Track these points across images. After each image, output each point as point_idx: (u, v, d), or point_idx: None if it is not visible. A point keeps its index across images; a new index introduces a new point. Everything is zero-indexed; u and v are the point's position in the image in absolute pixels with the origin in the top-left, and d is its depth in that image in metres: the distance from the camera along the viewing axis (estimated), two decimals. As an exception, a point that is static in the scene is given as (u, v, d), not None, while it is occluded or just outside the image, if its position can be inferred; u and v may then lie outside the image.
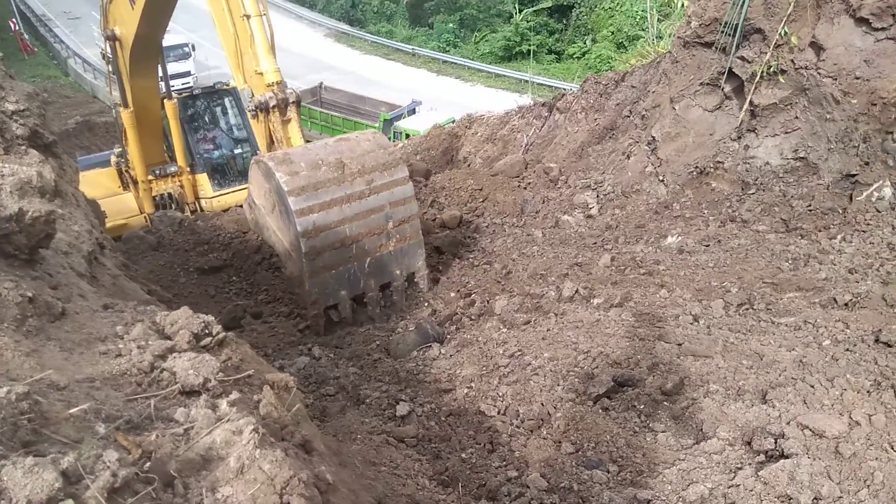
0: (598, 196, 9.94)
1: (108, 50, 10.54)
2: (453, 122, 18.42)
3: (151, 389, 2.42)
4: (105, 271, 3.77)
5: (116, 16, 9.94)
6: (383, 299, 7.50)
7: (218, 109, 13.85)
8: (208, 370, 2.54)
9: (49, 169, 3.13)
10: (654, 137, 9.45)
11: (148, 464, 1.91)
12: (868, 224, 6.82)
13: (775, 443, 3.47)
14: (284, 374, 2.97)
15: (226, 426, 2.13)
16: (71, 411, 1.94)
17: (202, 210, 12.45)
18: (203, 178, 12.81)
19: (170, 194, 12.39)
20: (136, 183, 12.37)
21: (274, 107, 7.12)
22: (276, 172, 6.36)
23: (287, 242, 6.77)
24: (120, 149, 12.87)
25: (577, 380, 4.80)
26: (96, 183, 12.13)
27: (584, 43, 40.91)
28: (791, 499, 3.06)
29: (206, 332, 2.97)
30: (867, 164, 7.39)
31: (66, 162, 4.13)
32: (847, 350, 4.44)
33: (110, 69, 11.12)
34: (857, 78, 7.41)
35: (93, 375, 2.36)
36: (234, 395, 2.44)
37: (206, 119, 13.67)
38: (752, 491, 3.16)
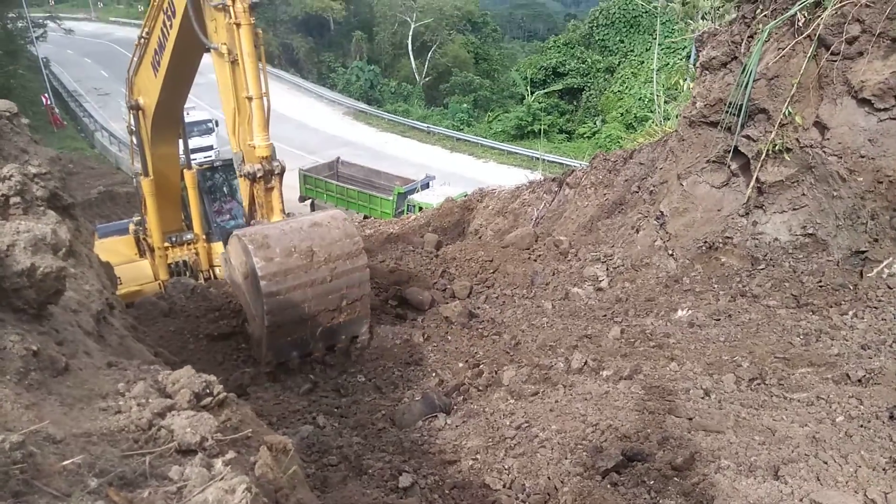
0: (607, 269, 9.98)
1: (132, 120, 10.99)
2: (466, 196, 18.75)
3: (148, 447, 2.41)
4: (113, 331, 3.80)
5: (140, 86, 10.45)
6: (328, 356, 8.13)
7: (235, 181, 14.25)
8: (206, 429, 2.52)
9: (65, 229, 3.23)
10: (662, 212, 9.55)
11: (138, 520, 1.89)
12: (880, 300, 6.76)
13: (788, 521, 3.35)
14: (283, 437, 2.94)
15: (219, 484, 2.11)
16: (64, 464, 1.94)
17: (216, 278, 12.60)
18: (218, 247, 13.05)
19: (185, 262, 12.59)
20: (152, 250, 12.60)
21: (260, 178, 7.86)
22: (254, 257, 7.02)
23: (253, 308, 7.39)
24: (139, 217, 13.18)
25: (585, 453, 4.68)
26: (114, 250, 12.38)
27: (595, 123, 42.06)
28: (806, 580, 2.93)
29: (208, 391, 2.97)
30: (876, 240, 7.39)
31: (82, 224, 4.25)
32: (861, 426, 4.32)
33: (133, 140, 11.56)
34: (862, 157, 7.52)
35: (90, 430, 2.36)
36: (230, 455, 2.42)
37: (224, 190, 14.06)
38: (764, 571, 3.03)
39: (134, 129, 11.09)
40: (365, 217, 27.46)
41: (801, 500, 3.52)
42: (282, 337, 7.44)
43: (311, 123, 45.74)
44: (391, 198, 27.63)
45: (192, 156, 13.20)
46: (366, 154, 38.45)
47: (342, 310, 7.87)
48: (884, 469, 3.78)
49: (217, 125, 36.97)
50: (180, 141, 11.84)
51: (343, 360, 8.14)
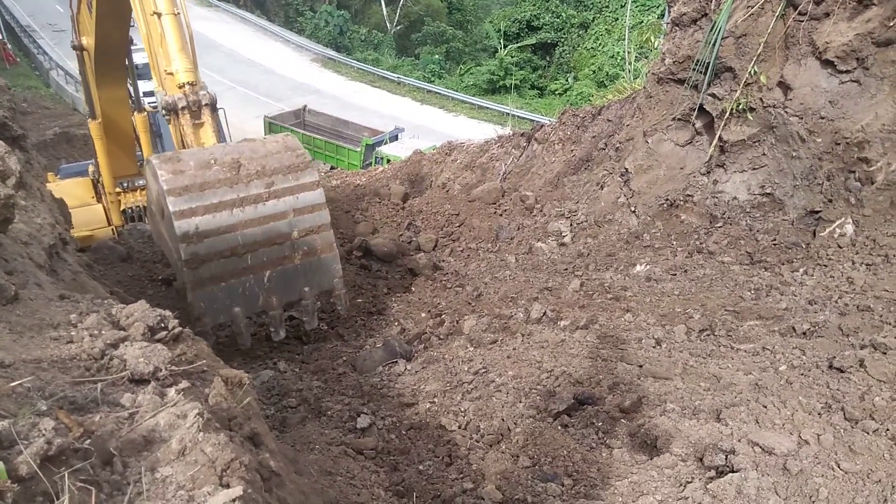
0: (571, 224, 10.09)
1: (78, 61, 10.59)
2: (434, 149, 18.62)
3: (100, 375, 2.41)
4: (66, 266, 3.75)
5: (82, 26, 10.08)
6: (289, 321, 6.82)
7: None
8: (159, 359, 2.53)
9: (14, 159, 3.14)
10: (627, 169, 9.64)
11: (87, 441, 1.90)
12: (829, 259, 6.99)
13: (726, 458, 3.52)
14: (239, 371, 2.96)
15: (171, 409, 2.13)
16: (12, 385, 1.93)
17: None
18: None
19: (140, 208, 12.34)
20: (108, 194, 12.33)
21: (183, 108, 6.50)
22: (159, 171, 5.68)
23: (174, 250, 5.91)
24: None
25: (538, 397, 4.82)
26: (69, 193, 12.03)
27: (566, 80, 41.80)
28: (738, 512, 3.11)
29: (162, 325, 2.96)
30: (830, 201, 7.60)
31: (33, 157, 4.13)
32: (802, 375, 4.52)
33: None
34: (822, 118, 7.66)
35: (41, 358, 2.35)
36: (184, 385, 2.44)
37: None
38: (700, 503, 3.20)
39: (80, 69, 10.69)
40: (332, 168, 27.12)
41: (739, 440, 3.70)
42: (210, 280, 5.89)
43: (277, 69, 44.53)
44: (359, 149, 27.27)
45: (150, 100, 12.77)
46: (334, 103, 37.69)
47: (295, 245, 6.32)
48: (819, 413, 3.98)
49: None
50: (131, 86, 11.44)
51: (311, 329, 6.86)
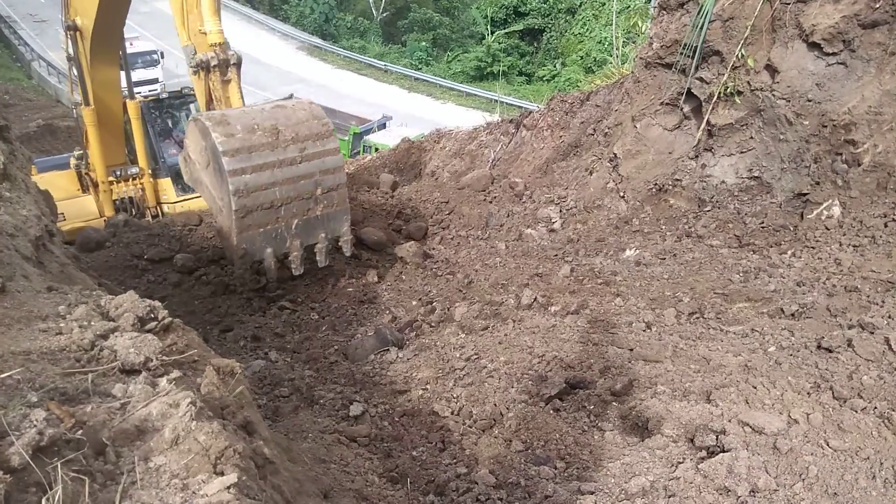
0: (561, 211, 10.10)
1: (69, 43, 10.39)
2: (423, 137, 18.56)
3: (91, 366, 2.39)
4: (53, 258, 3.71)
5: (77, 5, 9.87)
6: (307, 261, 7.79)
7: (184, 114, 13.74)
8: (150, 349, 2.52)
9: (-2, 150, 3.09)
10: (615, 155, 9.65)
11: (80, 431, 1.89)
12: (817, 241, 7.05)
13: (716, 439, 3.56)
14: (231, 360, 2.95)
15: (163, 399, 2.12)
16: (1, 376, 1.92)
17: (163, 215, 12.27)
18: (167, 183, 12.67)
19: (130, 198, 12.19)
20: (96, 186, 12.16)
21: (215, 66, 7.27)
22: (213, 133, 6.57)
23: (219, 198, 6.96)
24: (80, 151, 12.65)
25: (530, 382, 4.85)
26: (55, 185, 11.86)
27: (554, 66, 41.70)
28: (729, 491, 3.14)
29: (152, 316, 2.94)
30: (818, 183, 7.65)
31: (17, 148, 4.08)
32: (790, 355, 4.57)
33: (72, 68, 10.99)
34: (809, 100, 7.70)
35: (30, 349, 2.33)
36: (175, 374, 2.43)
37: (173, 124, 13.54)
38: (691, 483, 3.23)
39: (72, 53, 10.50)
40: (320, 157, 26.95)
41: (729, 420, 3.74)
42: (252, 226, 6.92)
43: (262, 58, 44.07)
44: (347, 138, 27.09)
45: (137, 89, 12.63)
46: (320, 92, 37.41)
47: (318, 199, 7.38)
48: (808, 393, 4.03)
49: (163, 57, 35.29)
50: (122, 73, 11.29)
51: (322, 266, 7.80)
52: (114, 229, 8.45)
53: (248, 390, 3.25)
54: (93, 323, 2.71)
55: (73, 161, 12.70)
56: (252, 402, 3.06)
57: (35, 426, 1.67)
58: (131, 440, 1.98)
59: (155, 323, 2.92)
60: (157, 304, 3.00)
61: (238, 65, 7.46)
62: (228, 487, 1.78)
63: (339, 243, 7.94)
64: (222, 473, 1.88)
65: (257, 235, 7.04)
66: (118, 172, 11.92)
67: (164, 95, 13.31)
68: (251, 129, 6.81)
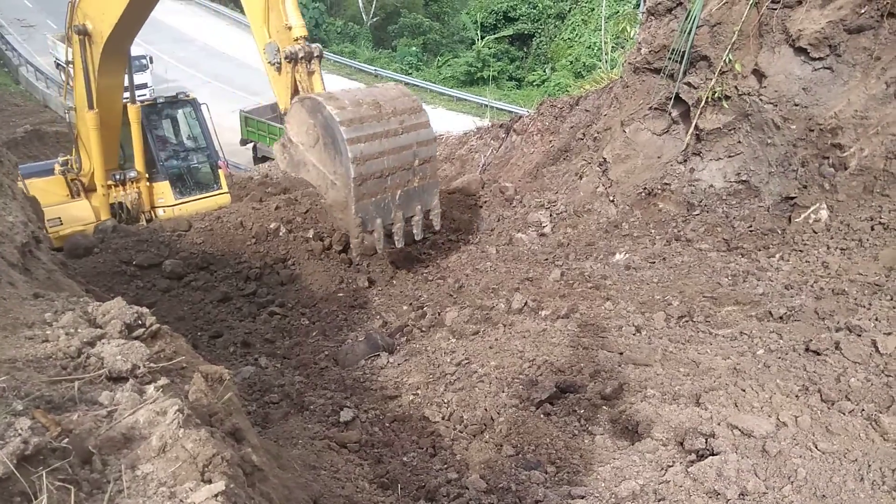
0: (551, 215, 10.13)
1: (78, 48, 10.37)
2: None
3: (77, 373, 2.38)
4: (40, 265, 3.68)
5: (90, 10, 9.93)
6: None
7: (179, 119, 13.78)
8: (137, 357, 2.50)
9: (-17, 156, 3.07)
10: (605, 159, 9.70)
11: (65, 440, 1.88)
12: (805, 244, 7.10)
13: (706, 442, 3.57)
14: (219, 367, 2.94)
15: (150, 406, 2.11)
16: (-14, 385, 1.90)
17: (157, 218, 12.25)
18: (165, 186, 12.73)
19: (120, 203, 12.16)
20: (87, 190, 12.14)
21: (302, 58, 7.75)
22: (327, 106, 7.07)
23: (331, 172, 7.34)
24: (65, 157, 12.65)
25: (521, 386, 4.85)
26: (48, 190, 11.88)
27: (544, 71, 41.84)
28: (718, 494, 3.15)
29: (140, 322, 2.93)
30: (805, 187, 7.71)
31: (4, 154, 4.04)
32: (779, 358, 4.59)
33: (67, 74, 11.00)
34: (797, 105, 7.77)
35: (15, 357, 2.31)
36: (163, 382, 2.41)
37: (168, 128, 13.57)
38: (681, 487, 3.24)
39: (71, 57, 10.48)
40: (310, 162, 26.87)
41: (718, 423, 3.76)
42: (366, 195, 7.34)
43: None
44: (337, 142, 27.04)
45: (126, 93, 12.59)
46: (311, 97, 37.33)
47: (415, 170, 7.87)
48: (796, 395, 4.05)
49: (151, 62, 35.11)
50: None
51: (418, 238, 8.45)
52: (102, 235, 8.39)
53: (237, 397, 3.23)
54: (79, 330, 2.69)
55: (57, 168, 12.62)
56: (241, 408, 3.05)
57: (20, 435, 1.66)
58: (118, 448, 1.97)
59: (143, 330, 2.90)
60: (145, 310, 2.98)
61: (320, 57, 7.93)
62: (216, 495, 1.77)
63: (430, 216, 8.40)
64: (210, 481, 1.87)
65: (370, 205, 7.43)
66: (118, 176, 11.93)
67: (161, 100, 13.31)
68: (357, 103, 7.29)
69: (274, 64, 7.99)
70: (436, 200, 8.36)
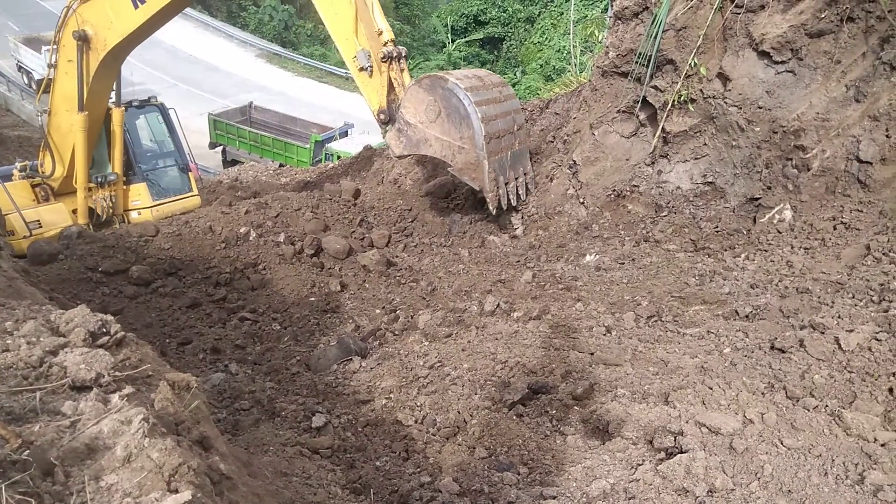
0: (522, 217, 10.18)
1: (62, 52, 10.49)
2: (385, 144, 18.49)
3: (39, 383, 2.32)
4: (0, 273, 3.59)
5: (94, 18, 10.06)
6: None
7: (150, 122, 13.68)
8: (101, 365, 2.45)
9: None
10: (574, 162, 9.79)
11: (26, 452, 1.83)
12: (770, 244, 7.26)
13: (675, 440, 3.62)
14: (186, 375, 2.89)
15: (114, 416, 2.07)
16: (-58, 397, 1.84)
17: (129, 222, 12.10)
18: (142, 188, 12.65)
19: (91, 209, 12.00)
20: (56, 195, 11.98)
21: (395, 57, 8.72)
22: (450, 78, 8.17)
23: (457, 139, 8.32)
24: (24, 162, 12.47)
25: (493, 388, 4.86)
26: (17, 194, 11.67)
27: (515, 74, 42.05)
28: (687, 491, 3.19)
29: (104, 330, 2.87)
30: (769, 188, 7.88)
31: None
32: (745, 356, 4.68)
33: (42, 77, 10.96)
34: (760, 107, 7.93)
35: (-27, 368, 2.25)
36: (128, 391, 2.37)
37: (140, 131, 13.45)
38: (651, 485, 3.28)
39: (77, 60, 10.42)
40: (280, 165, 26.68)
41: (686, 421, 3.82)
42: (493, 153, 8.31)
43: (221, 66, 43.55)
44: (308, 146, 26.86)
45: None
46: (280, 99, 37.06)
47: (516, 134, 8.93)
48: (762, 393, 4.13)
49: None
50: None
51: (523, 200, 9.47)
52: (67, 241, 8.21)
53: (206, 404, 3.19)
54: (41, 339, 2.62)
55: (16, 173, 12.37)
56: (209, 416, 3.00)
57: (-23, 448, 1.61)
58: (81, 459, 1.93)
59: (107, 338, 2.84)
60: (110, 318, 2.92)
61: (407, 57, 8.96)
62: (183, 505, 1.74)
63: (526, 180, 9.46)
64: (176, 491, 1.84)
65: (495, 162, 8.43)
66: (99, 178, 11.82)
67: (136, 103, 13.19)
68: (466, 76, 8.44)
69: (366, 69, 8.78)
70: (529, 164, 9.50)
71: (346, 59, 9.03)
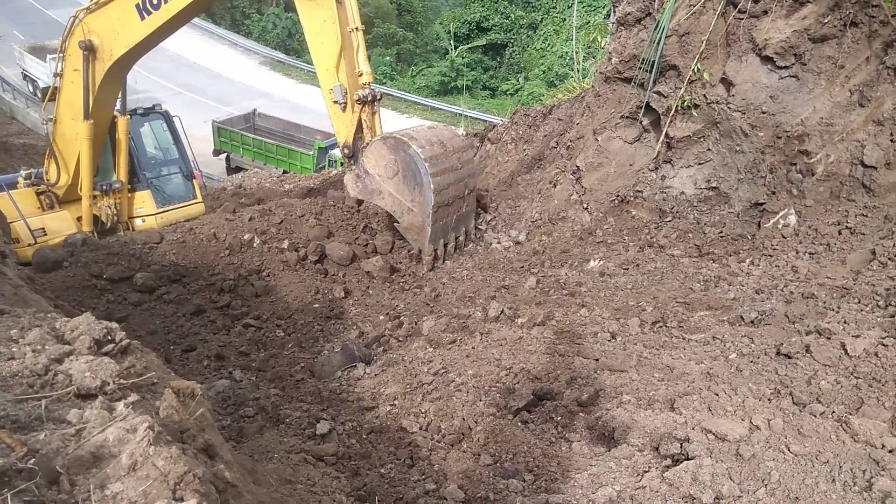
0: (526, 223, 10.19)
1: (68, 60, 10.58)
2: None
3: (44, 391, 2.32)
4: (6, 280, 3.60)
5: (100, 27, 10.15)
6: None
7: (154, 130, 13.76)
8: (107, 373, 2.45)
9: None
10: (578, 167, 9.79)
11: (32, 460, 1.83)
12: (774, 249, 7.23)
13: (681, 447, 3.60)
14: (191, 382, 2.89)
15: (120, 424, 2.07)
16: (-53, 405, 1.84)
17: (134, 230, 12.15)
18: (146, 195, 12.73)
19: (95, 217, 12.06)
20: (62, 202, 12.05)
21: (370, 101, 8.96)
22: (413, 145, 8.35)
23: (408, 200, 8.73)
24: (30, 170, 12.52)
25: (498, 395, 4.85)
26: (22, 202, 11.72)
27: (517, 80, 42.17)
28: (694, 499, 3.18)
29: (109, 338, 2.87)
30: (773, 193, 7.87)
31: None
32: (751, 362, 4.66)
33: (41, 87, 11.01)
34: (764, 112, 7.93)
35: (-21, 376, 2.25)
36: (133, 398, 2.37)
37: (145, 138, 13.51)
38: (657, 492, 3.26)
39: (83, 70, 10.49)
40: (284, 172, 26.72)
41: (692, 428, 3.80)
42: (439, 219, 8.73)
43: (225, 73, 43.74)
44: (312, 152, 26.90)
45: None
46: (284, 106, 37.14)
47: (465, 198, 9.33)
48: (768, 399, 4.11)
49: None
50: None
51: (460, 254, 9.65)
52: (71, 248, 8.23)
53: (210, 412, 3.18)
54: (47, 347, 2.63)
55: (21, 181, 12.43)
56: (213, 424, 3.00)
57: (-17, 457, 1.61)
58: (87, 468, 1.93)
59: (112, 345, 2.85)
60: (115, 325, 2.93)
61: (380, 99, 9.19)
62: (188, 513, 1.74)
63: (469, 234, 9.89)
64: (182, 499, 1.84)
65: (439, 227, 8.86)
66: (104, 186, 11.87)
67: (141, 111, 13.27)
68: (430, 142, 8.58)
69: (340, 104, 9.04)
70: (472, 223, 9.91)
71: (322, 88, 9.29)
